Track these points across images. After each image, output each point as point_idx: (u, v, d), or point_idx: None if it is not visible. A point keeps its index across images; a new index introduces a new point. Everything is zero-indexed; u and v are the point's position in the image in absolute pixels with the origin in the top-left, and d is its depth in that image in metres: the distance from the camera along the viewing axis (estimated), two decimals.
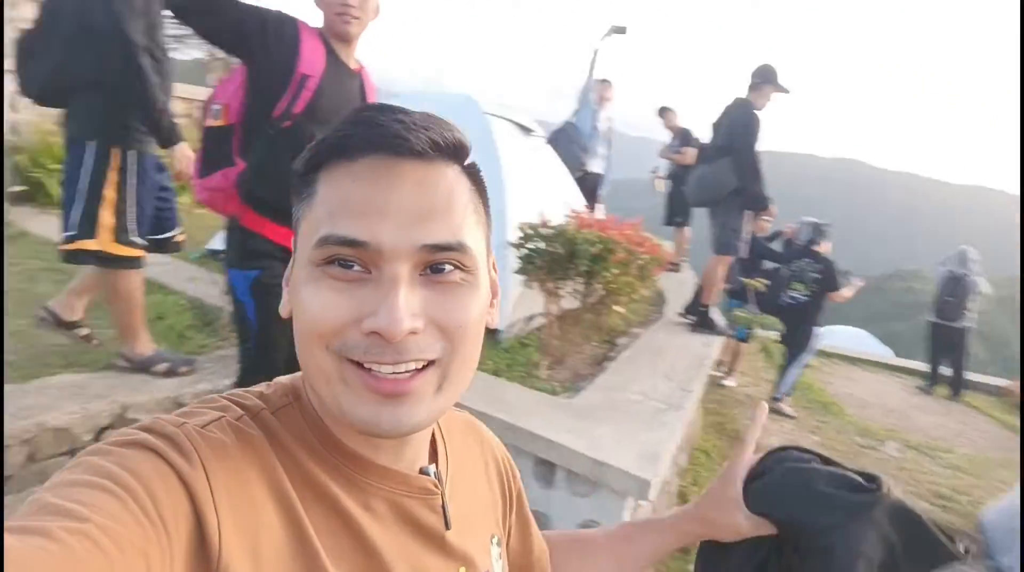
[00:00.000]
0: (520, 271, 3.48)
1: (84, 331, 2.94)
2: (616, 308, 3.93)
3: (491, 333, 3.65)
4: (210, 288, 3.92)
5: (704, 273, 4.97)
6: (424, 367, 0.55)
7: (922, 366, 7.81)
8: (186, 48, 4.88)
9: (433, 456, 0.71)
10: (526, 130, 5.14)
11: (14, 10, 4.93)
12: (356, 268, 0.54)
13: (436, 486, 0.66)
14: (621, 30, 7.28)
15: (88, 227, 2.57)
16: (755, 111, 4.66)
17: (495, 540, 0.75)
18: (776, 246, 6.00)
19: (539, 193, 4.44)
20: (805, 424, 5.36)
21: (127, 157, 2.60)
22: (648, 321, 4.97)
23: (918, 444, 5.26)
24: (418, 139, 0.54)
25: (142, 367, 2.80)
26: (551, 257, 3.41)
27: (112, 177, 2.58)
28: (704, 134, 5.46)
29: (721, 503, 0.84)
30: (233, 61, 2.25)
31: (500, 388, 3.04)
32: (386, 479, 0.62)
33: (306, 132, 2.04)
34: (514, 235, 3.50)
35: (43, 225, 4.89)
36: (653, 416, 2.93)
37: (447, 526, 0.66)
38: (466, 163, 0.60)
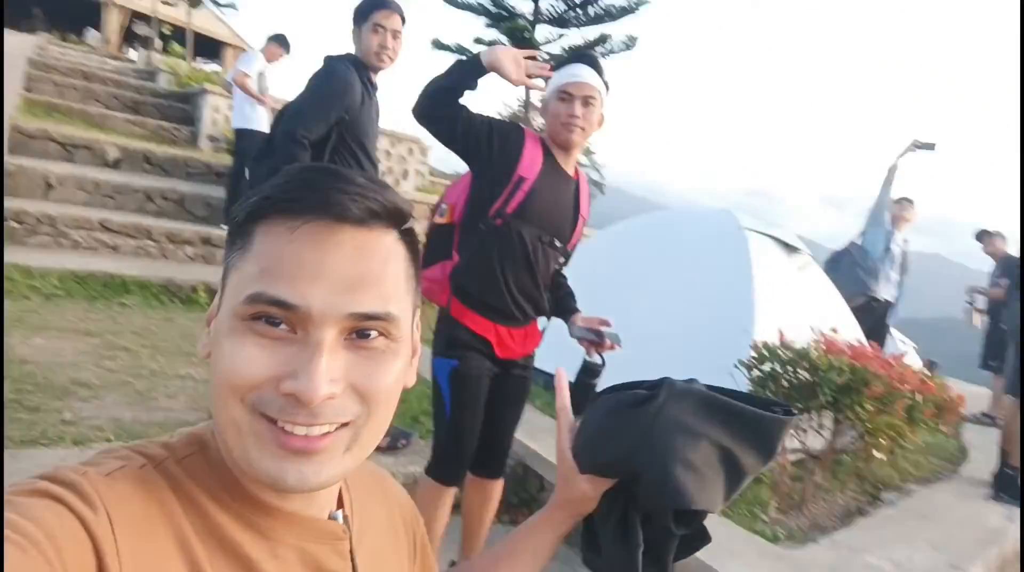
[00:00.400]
0: None
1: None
2: (877, 454, 3.32)
3: None
4: None
5: (1006, 426, 3.98)
6: (337, 428, 0.56)
7: None
8: None
9: (340, 504, 0.70)
10: (791, 248, 4.79)
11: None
12: (282, 327, 0.54)
13: (344, 532, 0.66)
14: (929, 146, 6.51)
15: None
16: None
17: None
18: None
19: (796, 315, 4.04)
20: None
21: None
22: (933, 478, 4.09)
23: None
24: (358, 207, 0.56)
25: None
26: (790, 383, 3.04)
27: None
28: None
29: (566, 479, 0.82)
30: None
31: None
32: (294, 525, 0.61)
33: (514, 231, 2.16)
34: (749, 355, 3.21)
35: None
36: None
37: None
38: (403, 228, 0.61)
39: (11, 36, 10.46)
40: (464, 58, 2.11)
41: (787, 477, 3.22)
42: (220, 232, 6.34)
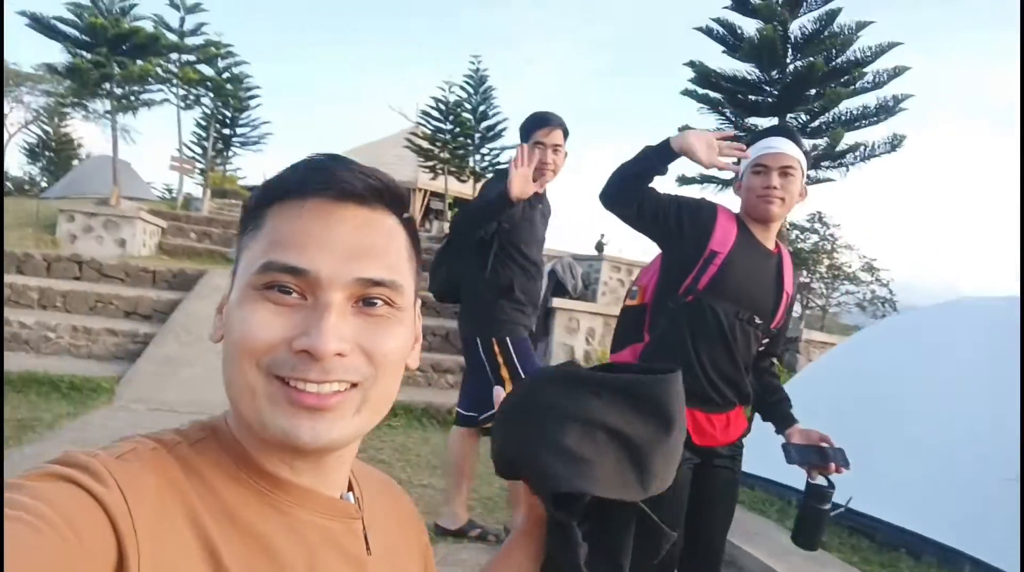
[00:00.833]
0: None
1: (476, 531, 3.28)
2: None
3: None
4: None
5: None
6: (347, 389, 0.59)
7: None
8: None
9: (350, 490, 0.71)
10: None
11: None
12: (294, 295, 0.58)
13: (357, 511, 0.67)
14: None
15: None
16: None
17: None
18: None
19: None
20: None
21: (504, 343, 3.11)
22: None
23: None
24: (360, 184, 0.61)
25: (441, 533, 3.08)
26: None
27: (500, 361, 3.10)
28: None
29: (515, 493, 0.66)
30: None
31: None
32: (307, 501, 0.62)
33: (707, 307, 2.03)
34: None
35: None
36: None
37: (368, 551, 0.66)
38: (404, 216, 0.65)
39: None
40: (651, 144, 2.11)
41: None
42: None
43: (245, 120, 23.10)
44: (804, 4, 12.88)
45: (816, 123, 13.53)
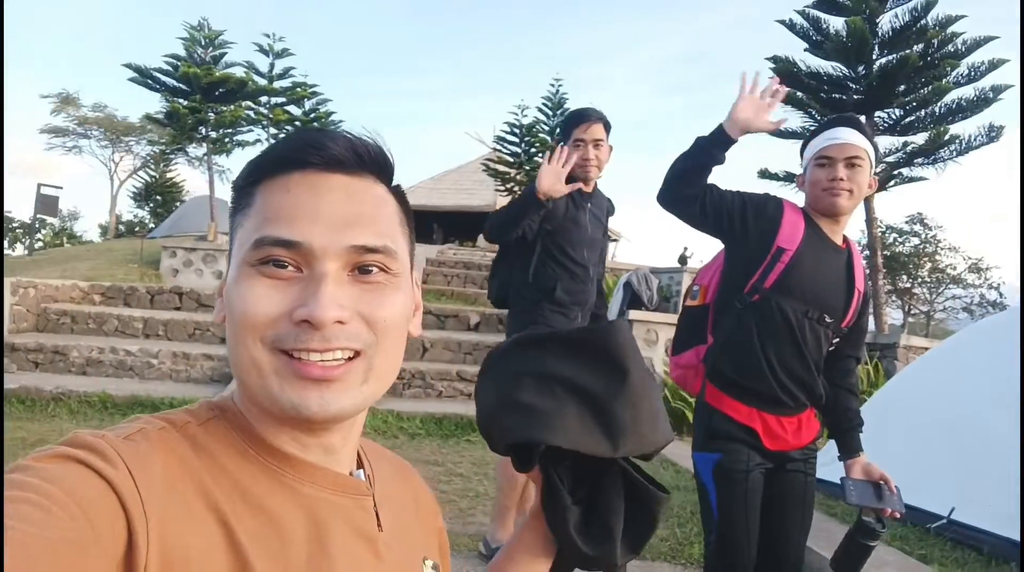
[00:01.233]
0: None
1: None
2: None
3: None
4: None
5: None
6: (351, 358, 0.59)
7: None
8: None
9: (360, 467, 0.71)
10: None
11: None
12: (289, 268, 0.58)
13: (368, 488, 0.67)
14: None
15: None
16: None
17: (430, 564, 0.73)
18: None
19: None
20: None
21: None
22: None
23: None
24: (347, 151, 0.61)
25: (491, 556, 2.86)
26: None
27: None
28: None
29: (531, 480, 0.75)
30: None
31: None
32: (317, 477, 0.62)
33: (775, 306, 1.96)
34: None
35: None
36: None
37: (379, 528, 0.66)
38: (393, 184, 0.66)
39: (418, 248, 13.52)
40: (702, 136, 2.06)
41: None
42: None
43: None
44: None
45: (909, 119, 12.83)
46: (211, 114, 14.39)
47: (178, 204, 25.63)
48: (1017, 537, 3.12)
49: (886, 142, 13.25)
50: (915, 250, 22.18)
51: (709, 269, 2.27)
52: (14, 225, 27.48)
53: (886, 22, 12.52)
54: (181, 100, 14.14)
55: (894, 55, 12.37)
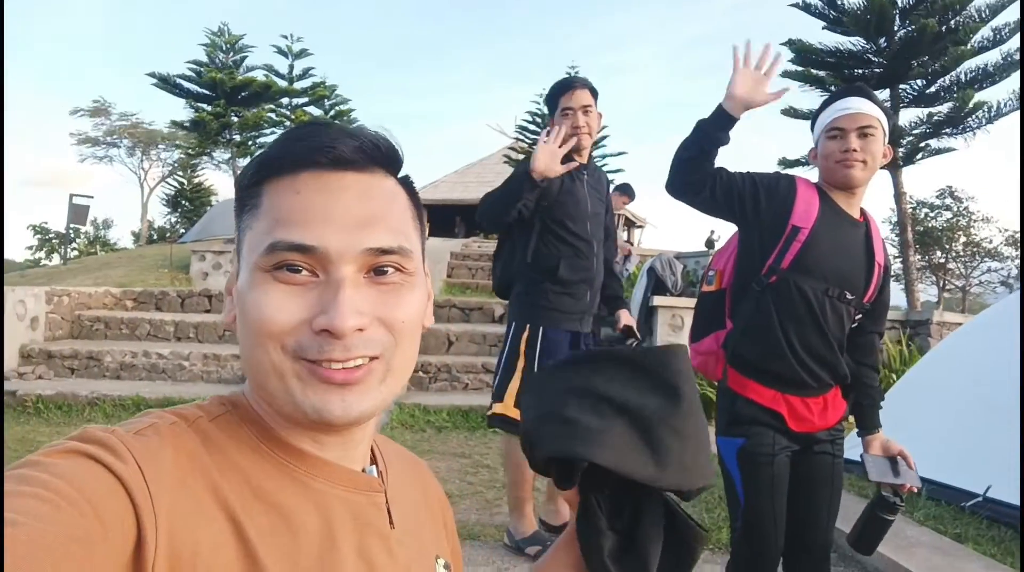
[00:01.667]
0: None
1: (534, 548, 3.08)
2: None
3: None
4: None
5: None
6: (370, 360, 0.59)
7: None
8: None
9: (373, 463, 0.71)
10: None
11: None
12: (304, 273, 0.57)
13: (380, 485, 0.67)
14: None
15: (500, 393, 2.94)
16: None
17: (442, 562, 0.72)
18: None
19: None
20: None
21: (536, 332, 2.91)
22: None
23: None
24: (354, 147, 0.59)
25: (516, 547, 2.82)
26: None
27: (522, 349, 2.93)
28: None
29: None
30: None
31: None
32: (330, 474, 0.62)
33: (793, 286, 1.93)
34: None
35: None
36: None
37: (391, 525, 0.65)
38: (401, 175, 0.65)
39: (442, 242, 13.55)
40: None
41: None
42: None
43: None
44: None
45: (933, 88, 12.48)
46: (235, 118, 14.60)
47: (207, 208, 26.08)
48: None
49: (912, 114, 12.94)
50: (948, 224, 21.66)
51: (724, 253, 2.24)
52: (50, 235, 28.14)
53: None
54: (205, 106, 14.36)
55: (915, 24, 12.04)
